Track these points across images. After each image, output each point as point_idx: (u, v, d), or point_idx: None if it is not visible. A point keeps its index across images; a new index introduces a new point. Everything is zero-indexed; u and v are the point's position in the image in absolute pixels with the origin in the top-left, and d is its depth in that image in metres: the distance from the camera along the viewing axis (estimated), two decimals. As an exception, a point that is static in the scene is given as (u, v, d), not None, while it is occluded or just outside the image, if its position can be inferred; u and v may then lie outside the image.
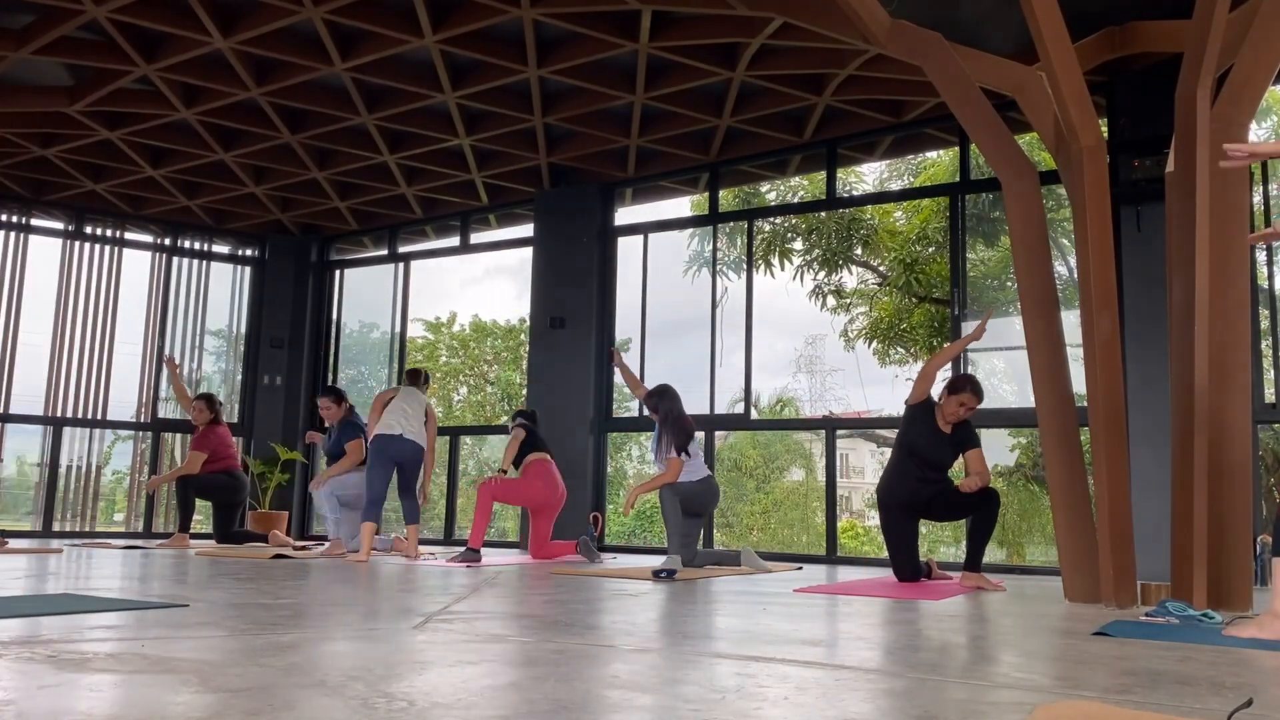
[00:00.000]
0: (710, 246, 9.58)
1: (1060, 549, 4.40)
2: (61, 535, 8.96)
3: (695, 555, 5.92)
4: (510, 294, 24.15)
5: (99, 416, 9.40)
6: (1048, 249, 4.66)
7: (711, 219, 8.82)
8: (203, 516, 8.87)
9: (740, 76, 6.82)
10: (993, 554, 10.36)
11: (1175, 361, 4.24)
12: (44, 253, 9.26)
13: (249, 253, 10.51)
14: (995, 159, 4.74)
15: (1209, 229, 4.15)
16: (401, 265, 10.18)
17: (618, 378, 8.65)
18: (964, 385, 5.08)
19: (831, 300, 13.93)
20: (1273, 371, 6.78)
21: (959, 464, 5.24)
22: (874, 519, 14.24)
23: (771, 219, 13.34)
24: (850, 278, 13.92)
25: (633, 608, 3.58)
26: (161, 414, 9.75)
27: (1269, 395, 6.81)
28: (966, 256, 7.84)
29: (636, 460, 15.49)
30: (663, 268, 14.88)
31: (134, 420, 9.73)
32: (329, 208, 9.68)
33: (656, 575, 5.11)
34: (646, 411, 6.20)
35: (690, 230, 11.68)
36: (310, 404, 9.99)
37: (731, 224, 10.69)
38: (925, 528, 9.95)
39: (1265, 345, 6.30)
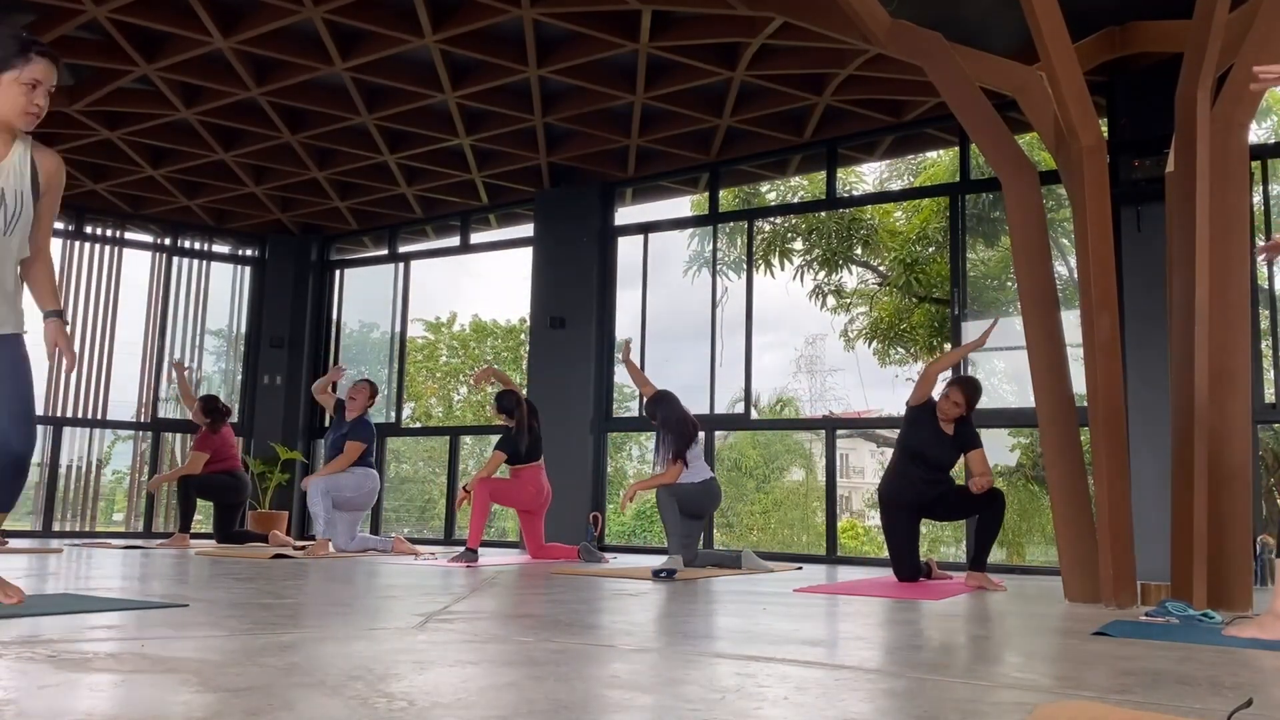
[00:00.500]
0: (710, 246, 9.58)
1: (1060, 549, 4.40)
2: (61, 535, 8.97)
3: (696, 556, 5.92)
4: (510, 294, 24.11)
5: (99, 416, 9.41)
6: (1048, 249, 4.66)
7: (711, 219, 8.82)
8: (203, 516, 8.87)
9: (740, 76, 6.82)
10: (993, 554, 10.31)
11: (1175, 361, 4.24)
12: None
13: (249, 252, 10.51)
14: (995, 159, 4.74)
15: (1209, 229, 4.15)
16: (401, 265, 10.18)
17: (619, 376, 8.66)
18: (956, 382, 5.17)
19: (831, 300, 13.93)
20: (1273, 371, 6.78)
21: (961, 464, 5.25)
22: (874, 519, 14.24)
23: (771, 219, 13.33)
24: (850, 278, 13.92)
25: (633, 608, 3.58)
26: (161, 414, 9.76)
27: (1269, 395, 6.81)
28: (966, 256, 7.84)
29: (636, 460, 15.50)
30: (663, 267, 14.89)
31: (134, 420, 9.73)
32: (329, 207, 9.68)
33: (656, 575, 5.12)
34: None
35: (690, 230, 11.68)
36: (310, 403, 9.98)
37: (731, 224, 10.69)
38: (925, 527, 9.93)
39: (1265, 345, 6.30)
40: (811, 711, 1.70)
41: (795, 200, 12.88)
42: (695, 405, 6.80)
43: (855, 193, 12.11)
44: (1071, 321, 4.57)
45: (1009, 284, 11.15)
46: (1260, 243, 4.01)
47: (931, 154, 11.80)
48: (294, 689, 1.77)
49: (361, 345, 11.75)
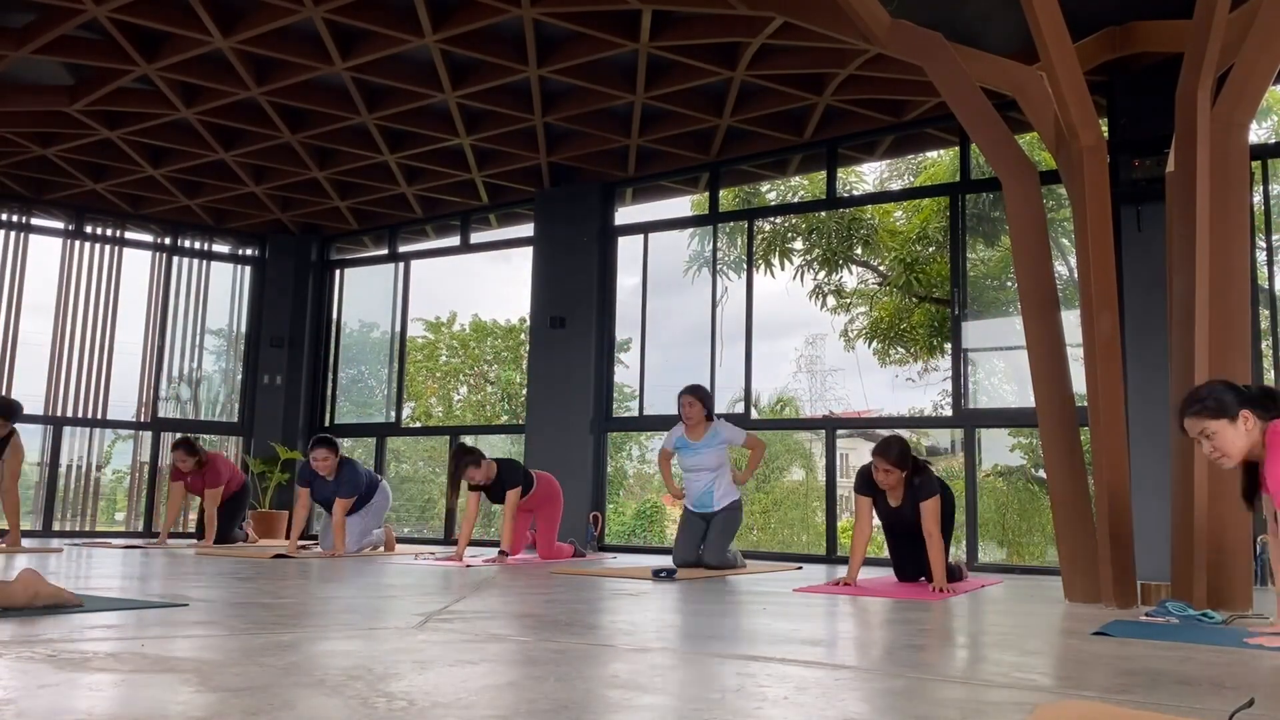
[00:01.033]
0: (710, 246, 9.58)
1: (1060, 549, 4.40)
2: (61, 535, 8.96)
3: (696, 557, 5.93)
4: (510, 293, 24.09)
5: (99, 416, 9.40)
6: (1048, 249, 4.66)
7: (712, 219, 8.82)
8: (192, 515, 8.92)
9: (740, 76, 6.81)
10: (993, 554, 10.36)
11: (1175, 361, 4.24)
12: (44, 252, 9.26)
13: (249, 252, 10.51)
14: (995, 159, 4.74)
15: (1209, 229, 4.15)
16: (401, 265, 10.18)
17: (619, 376, 8.68)
18: (874, 453, 4.92)
19: (831, 300, 13.93)
20: (1273, 371, 6.77)
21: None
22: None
23: (771, 219, 13.33)
24: (850, 278, 13.91)
25: (633, 608, 3.58)
26: (161, 414, 9.76)
27: (1269, 395, 6.79)
28: (966, 256, 7.83)
29: (636, 460, 15.49)
30: (663, 267, 14.88)
31: (134, 420, 9.73)
32: (329, 207, 9.68)
33: (656, 575, 5.13)
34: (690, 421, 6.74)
35: (690, 230, 11.68)
36: (310, 402, 9.99)
37: (731, 224, 10.68)
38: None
39: (1265, 345, 6.30)
40: (811, 711, 1.70)
41: (795, 200, 12.87)
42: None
43: (855, 192, 12.11)
44: (1071, 321, 4.57)
45: (1009, 284, 11.14)
46: (1260, 242, 4.01)
47: (931, 154, 11.79)
48: (294, 689, 1.77)
49: (361, 345, 11.73)
